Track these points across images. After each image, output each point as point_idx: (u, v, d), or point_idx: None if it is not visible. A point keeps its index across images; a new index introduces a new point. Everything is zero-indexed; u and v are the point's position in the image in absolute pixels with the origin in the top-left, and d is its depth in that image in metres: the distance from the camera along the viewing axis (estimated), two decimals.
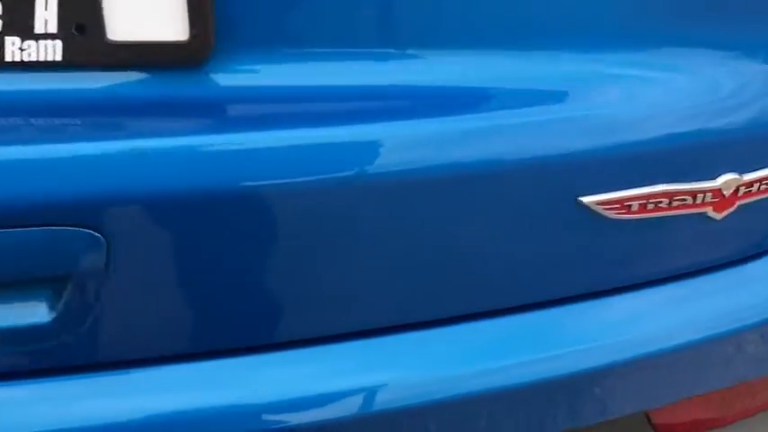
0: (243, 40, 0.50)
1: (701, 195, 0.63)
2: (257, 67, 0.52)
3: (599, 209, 0.60)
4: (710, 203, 0.63)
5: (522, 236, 0.61)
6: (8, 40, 0.45)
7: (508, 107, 0.56)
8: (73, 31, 0.46)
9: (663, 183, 0.61)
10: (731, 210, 0.65)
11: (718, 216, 0.65)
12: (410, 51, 0.54)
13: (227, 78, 0.51)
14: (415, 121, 0.53)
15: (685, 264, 0.68)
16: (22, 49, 0.45)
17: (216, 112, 0.53)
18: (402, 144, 0.55)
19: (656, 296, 0.68)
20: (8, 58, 0.45)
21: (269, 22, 0.51)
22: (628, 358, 0.66)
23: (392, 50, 0.53)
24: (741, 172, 0.63)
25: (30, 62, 0.46)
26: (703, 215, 0.64)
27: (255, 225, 0.53)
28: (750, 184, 0.64)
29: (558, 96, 0.57)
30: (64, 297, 0.51)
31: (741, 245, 0.70)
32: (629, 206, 0.61)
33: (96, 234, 0.49)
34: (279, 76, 0.52)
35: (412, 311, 0.61)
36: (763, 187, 0.65)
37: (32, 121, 0.49)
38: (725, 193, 0.63)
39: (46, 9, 0.45)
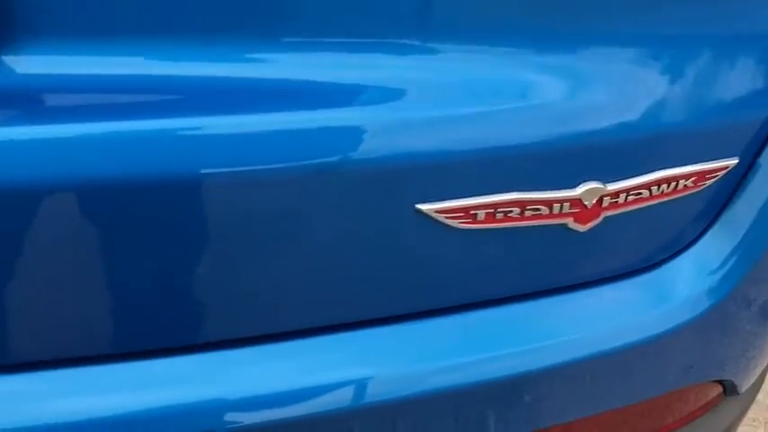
0: (34, 28, 0.47)
1: (559, 205, 0.58)
2: (47, 56, 0.48)
3: (440, 218, 0.55)
4: (570, 214, 0.59)
5: (361, 247, 0.56)
6: None
7: (333, 104, 0.52)
8: None
9: (513, 191, 0.56)
10: (596, 222, 0.60)
11: (582, 228, 0.60)
12: (218, 42, 0.50)
13: (22, 67, 0.48)
14: (223, 116, 0.49)
15: (551, 279, 0.63)
16: None
17: (7, 103, 0.49)
18: (220, 139, 0.50)
19: (520, 313, 0.63)
20: None
21: (65, 10, 0.47)
22: (483, 380, 0.61)
23: (198, 41, 0.49)
24: (605, 181, 0.59)
25: None
26: (564, 227, 0.60)
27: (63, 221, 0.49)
28: (615, 194, 0.59)
29: (390, 95, 0.53)
30: None
31: (614, 260, 0.65)
32: (475, 215, 0.56)
33: None
34: (71, 65, 0.48)
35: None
36: (631, 198, 0.60)
37: None
38: (586, 203, 0.59)
39: None
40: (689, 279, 0.68)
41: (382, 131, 0.52)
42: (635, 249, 0.65)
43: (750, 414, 1.68)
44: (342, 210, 0.54)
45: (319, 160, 0.51)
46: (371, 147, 0.52)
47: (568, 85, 0.57)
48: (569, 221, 0.59)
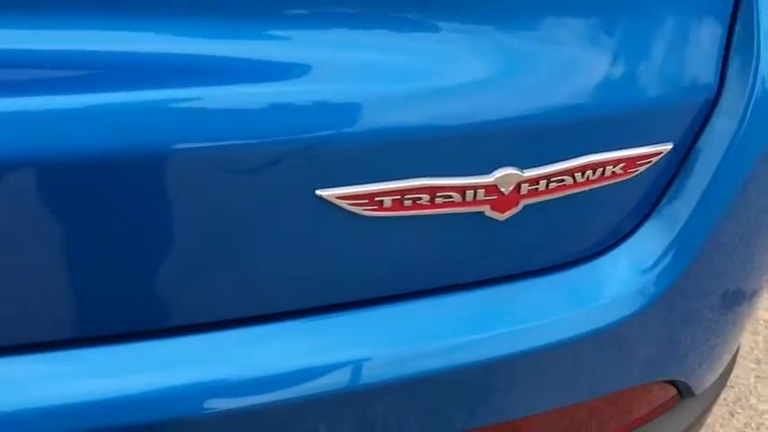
0: None
1: (472, 192, 0.55)
2: None
3: (343, 204, 0.53)
4: (487, 201, 0.56)
5: (262, 237, 0.54)
6: None
7: (218, 81, 0.49)
8: None
9: (421, 176, 0.54)
10: (515, 210, 0.57)
11: (501, 217, 0.57)
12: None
13: None
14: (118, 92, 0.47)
15: (469, 272, 0.61)
16: None
17: None
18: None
19: (436, 308, 0.61)
20: None
21: None
22: (395, 377, 0.59)
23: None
24: (522, 167, 0.56)
25: None
26: (481, 215, 0.57)
27: None
28: (535, 180, 0.56)
29: (288, 70, 0.51)
30: None
31: (538, 254, 0.62)
32: (381, 202, 0.53)
33: None
34: None
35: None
36: (553, 185, 0.57)
37: None
38: (503, 190, 0.56)
39: None
40: (622, 275, 0.64)
41: (279, 109, 0.50)
42: (561, 242, 0.62)
43: (743, 419, 1.70)
44: (238, 196, 0.51)
45: (211, 142, 0.49)
46: (269, 126, 0.50)
47: (482, 64, 0.54)
48: (486, 209, 0.56)
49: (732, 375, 1.44)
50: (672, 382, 0.76)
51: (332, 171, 0.52)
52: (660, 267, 0.64)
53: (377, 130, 0.52)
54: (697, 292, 0.68)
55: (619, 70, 0.57)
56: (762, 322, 1.88)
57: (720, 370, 0.84)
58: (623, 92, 0.57)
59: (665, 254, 0.64)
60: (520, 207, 0.57)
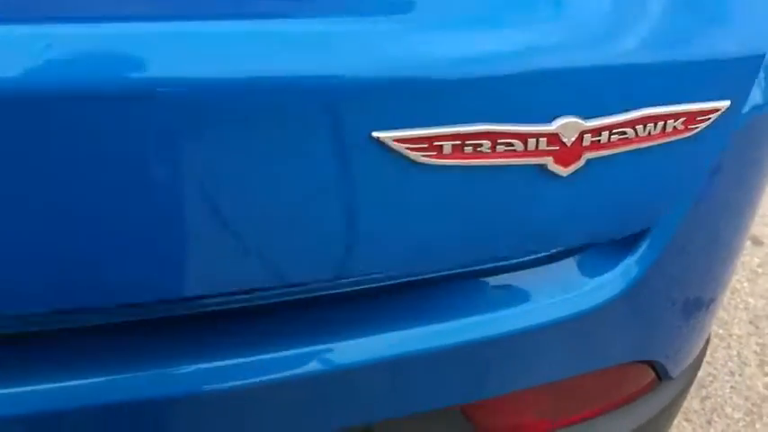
0: None
1: (534, 140, 0.52)
2: None
3: (401, 148, 0.49)
4: (549, 152, 0.53)
5: (314, 184, 0.50)
6: None
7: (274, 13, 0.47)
8: None
9: (483, 122, 0.50)
10: (578, 165, 0.54)
11: (563, 171, 0.54)
12: None
13: None
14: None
15: (530, 236, 0.56)
16: None
17: None
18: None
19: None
20: None
21: None
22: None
23: None
24: (584, 116, 0.53)
25: None
26: (544, 168, 0.53)
27: None
28: (597, 131, 0.53)
29: (345, 5, 0.48)
30: None
31: (603, 220, 0.59)
32: (440, 147, 0.50)
33: None
34: None
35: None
36: (614, 138, 0.54)
37: None
38: (565, 140, 0.53)
39: None
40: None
41: (338, 43, 0.47)
42: (621, 211, 0.59)
43: (720, 427, 1.73)
44: (292, 138, 0.47)
45: (264, 74, 0.45)
46: (329, 63, 0.47)
47: (547, 7, 0.52)
48: (549, 162, 0.53)
49: (709, 387, 1.79)
50: (650, 364, 0.77)
51: (390, 112, 0.48)
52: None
53: (439, 72, 0.49)
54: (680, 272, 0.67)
55: (682, 18, 0.56)
56: (735, 337, 2.03)
57: (695, 353, 0.84)
58: (687, 42, 0.56)
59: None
60: (582, 162, 0.54)
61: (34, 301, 0.49)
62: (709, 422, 1.74)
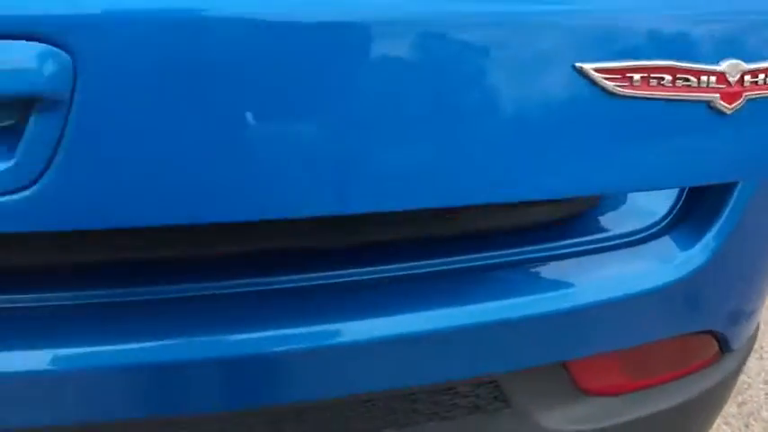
0: None
1: (706, 78, 0.58)
2: None
3: (598, 77, 0.55)
4: (716, 89, 0.59)
5: (518, 106, 0.56)
6: None
7: None
8: None
9: (667, 58, 0.57)
10: (739, 103, 0.60)
11: (727, 108, 0.60)
12: None
13: None
14: None
15: (697, 166, 0.63)
16: None
17: None
18: None
19: None
20: None
21: None
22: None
23: None
24: (745, 59, 0.60)
25: None
26: (711, 104, 0.60)
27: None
28: (755, 73, 0.60)
29: None
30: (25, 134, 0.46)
31: (757, 158, 0.65)
32: (631, 78, 0.56)
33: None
34: None
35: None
36: None
37: None
38: (730, 79, 0.59)
39: None
40: None
41: None
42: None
43: (757, 429, 1.85)
44: (506, 62, 0.54)
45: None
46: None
47: None
48: (716, 98, 0.59)
49: (745, 394, 1.94)
50: (715, 335, 0.87)
51: (592, 46, 0.55)
52: None
53: (633, 15, 0.56)
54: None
55: None
56: (766, 349, 2.17)
57: (752, 328, 0.94)
58: None
59: None
60: (743, 100, 0.60)
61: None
62: (746, 425, 1.86)
